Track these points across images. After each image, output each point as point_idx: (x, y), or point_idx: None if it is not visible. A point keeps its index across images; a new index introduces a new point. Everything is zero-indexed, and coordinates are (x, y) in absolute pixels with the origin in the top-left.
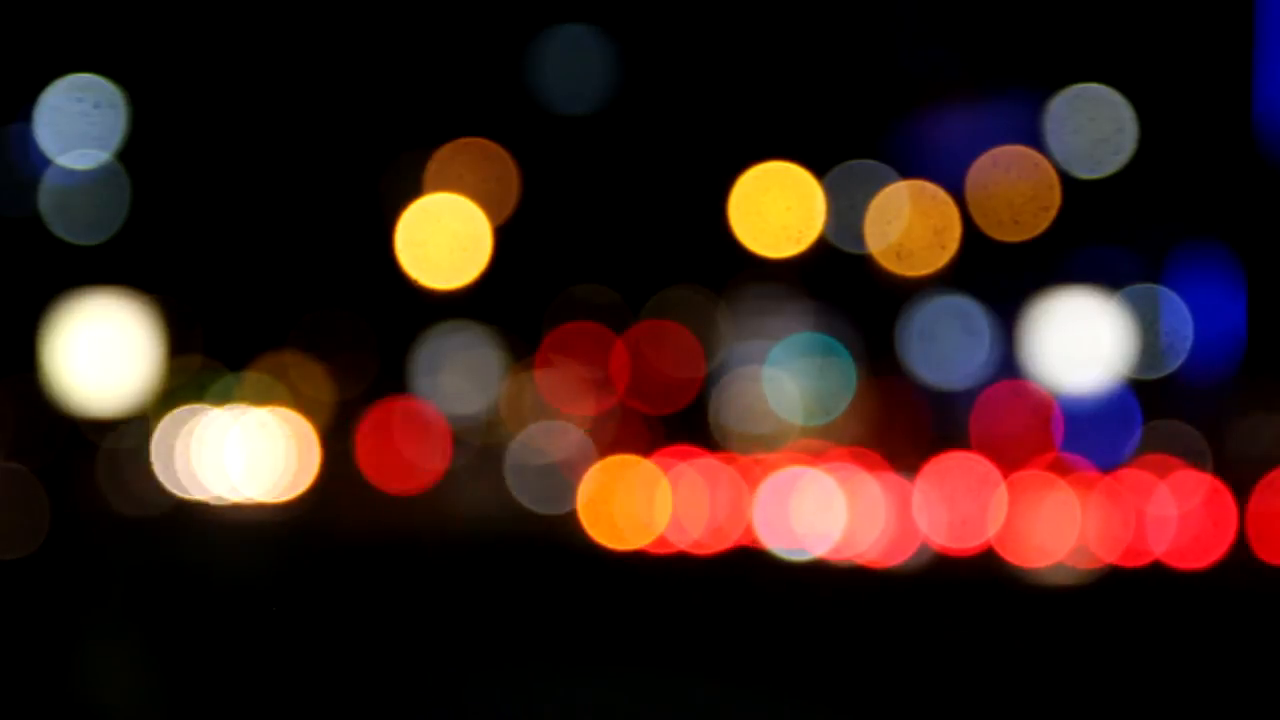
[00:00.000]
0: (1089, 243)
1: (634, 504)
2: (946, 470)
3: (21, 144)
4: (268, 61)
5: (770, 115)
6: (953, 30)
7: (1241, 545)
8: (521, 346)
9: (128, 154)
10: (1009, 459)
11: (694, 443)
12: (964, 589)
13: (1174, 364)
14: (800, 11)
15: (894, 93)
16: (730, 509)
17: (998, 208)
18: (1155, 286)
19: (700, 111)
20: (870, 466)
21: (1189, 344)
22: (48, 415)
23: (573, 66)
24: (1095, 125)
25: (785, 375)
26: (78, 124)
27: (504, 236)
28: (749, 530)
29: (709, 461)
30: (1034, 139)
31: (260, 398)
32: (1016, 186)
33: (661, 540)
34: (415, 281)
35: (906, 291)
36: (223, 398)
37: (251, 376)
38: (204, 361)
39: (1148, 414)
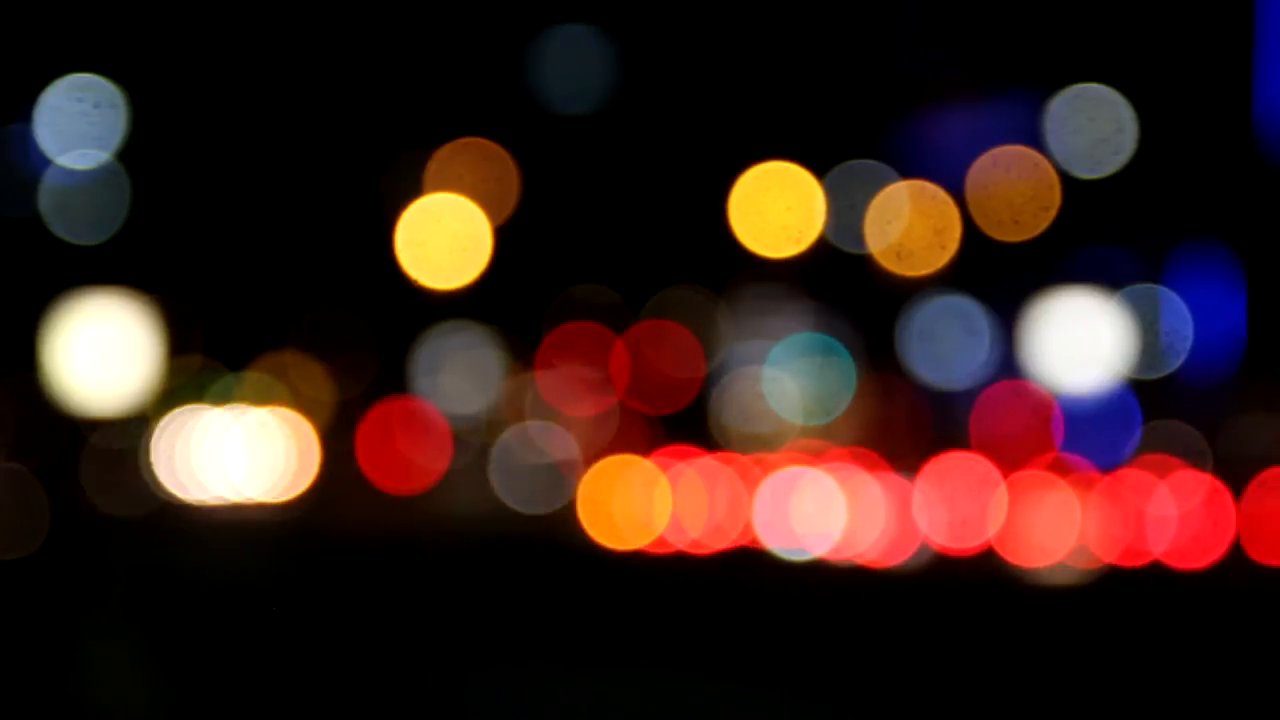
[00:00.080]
0: (1089, 243)
1: (634, 504)
2: (946, 470)
3: (21, 144)
4: (267, 62)
5: (770, 115)
6: (953, 30)
7: (1241, 545)
8: (521, 346)
9: (128, 154)
10: (1009, 459)
11: (694, 443)
12: (964, 589)
13: (1174, 364)
14: (800, 12)
15: (894, 93)
16: (730, 509)
17: (998, 208)
18: (1155, 286)
19: (700, 111)
20: (870, 466)
21: (1189, 344)
22: (48, 415)
23: (573, 66)
24: (1095, 125)
25: (785, 375)
26: (78, 124)
27: (504, 236)
28: (749, 530)
29: (709, 461)
30: (1034, 139)
31: (260, 398)
32: (1016, 186)
33: (661, 540)
34: (415, 281)
35: (906, 291)
36: (223, 398)
37: (251, 376)
38: (204, 361)
39: (1148, 414)
